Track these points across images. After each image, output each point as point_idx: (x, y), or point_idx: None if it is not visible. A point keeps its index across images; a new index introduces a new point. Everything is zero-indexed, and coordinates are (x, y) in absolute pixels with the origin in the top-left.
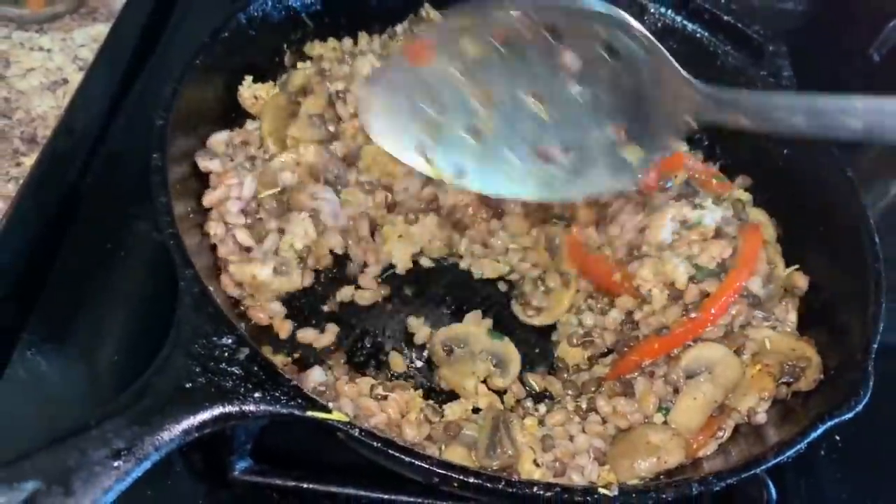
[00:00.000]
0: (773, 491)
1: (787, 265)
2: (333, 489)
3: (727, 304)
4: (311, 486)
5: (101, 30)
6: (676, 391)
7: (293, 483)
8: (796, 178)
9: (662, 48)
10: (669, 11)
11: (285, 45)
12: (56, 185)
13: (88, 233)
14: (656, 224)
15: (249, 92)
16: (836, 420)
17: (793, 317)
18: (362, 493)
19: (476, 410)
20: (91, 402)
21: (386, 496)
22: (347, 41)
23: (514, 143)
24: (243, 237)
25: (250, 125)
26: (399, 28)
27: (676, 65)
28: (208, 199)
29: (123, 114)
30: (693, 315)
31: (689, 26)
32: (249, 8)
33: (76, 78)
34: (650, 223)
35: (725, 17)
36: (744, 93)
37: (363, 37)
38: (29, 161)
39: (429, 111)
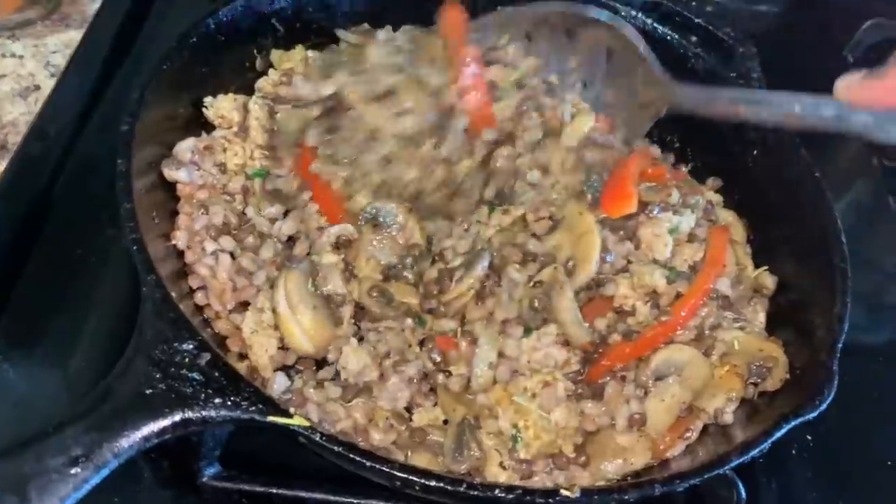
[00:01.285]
0: (743, 491)
1: (757, 266)
2: (303, 494)
3: (697, 305)
4: (280, 491)
5: (74, 36)
6: (646, 393)
7: (262, 488)
8: (765, 178)
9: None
10: (640, 14)
11: (255, 51)
12: (26, 191)
13: (59, 239)
14: (658, 240)
15: (214, 110)
16: (801, 419)
17: (761, 317)
18: (331, 497)
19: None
20: (59, 408)
21: (355, 500)
22: None
23: None
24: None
25: (218, 132)
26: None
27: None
28: (180, 237)
29: (95, 120)
30: (664, 318)
31: (661, 29)
32: (219, 13)
33: (48, 84)
34: (647, 240)
35: (696, 20)
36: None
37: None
38: None
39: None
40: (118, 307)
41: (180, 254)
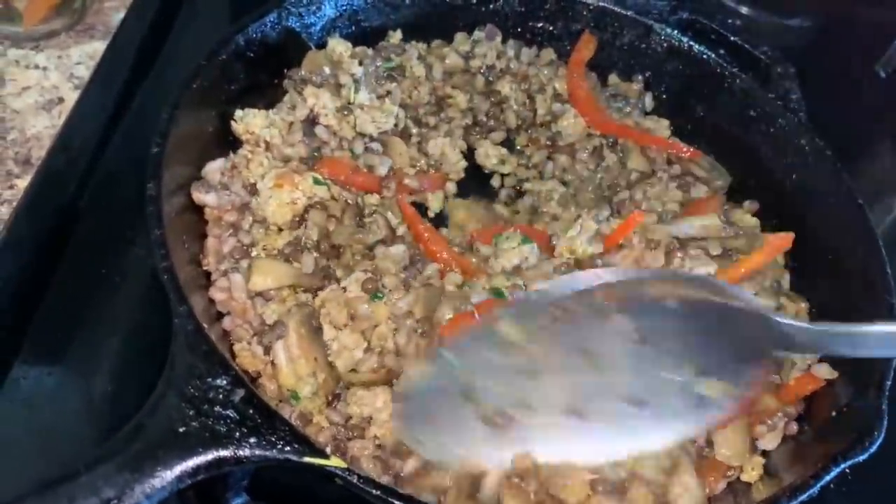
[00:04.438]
0: None
1: (797, 292)
2: None
3: None
4: None
5: (98, 47)
6: None
7: None
8: (805, 203)
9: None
10: (676, 32)
11: (285, 69)
12: (50, 207)
13: (84, 256)
14: None
15: (242, 125)
16: (850, 462)
17: None
18: None
19: None
20: (84, 432)
21: None
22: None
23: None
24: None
25: (245, 149)
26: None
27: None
28: (209, 261)
29: (120, 133)
30: None
31: (696, 47)
32: (248, 29)
33: (72, 97)
34: None
35: (732, 38)
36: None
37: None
38: (23, 183)
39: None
40: (143, 327)
41: (208, 275)
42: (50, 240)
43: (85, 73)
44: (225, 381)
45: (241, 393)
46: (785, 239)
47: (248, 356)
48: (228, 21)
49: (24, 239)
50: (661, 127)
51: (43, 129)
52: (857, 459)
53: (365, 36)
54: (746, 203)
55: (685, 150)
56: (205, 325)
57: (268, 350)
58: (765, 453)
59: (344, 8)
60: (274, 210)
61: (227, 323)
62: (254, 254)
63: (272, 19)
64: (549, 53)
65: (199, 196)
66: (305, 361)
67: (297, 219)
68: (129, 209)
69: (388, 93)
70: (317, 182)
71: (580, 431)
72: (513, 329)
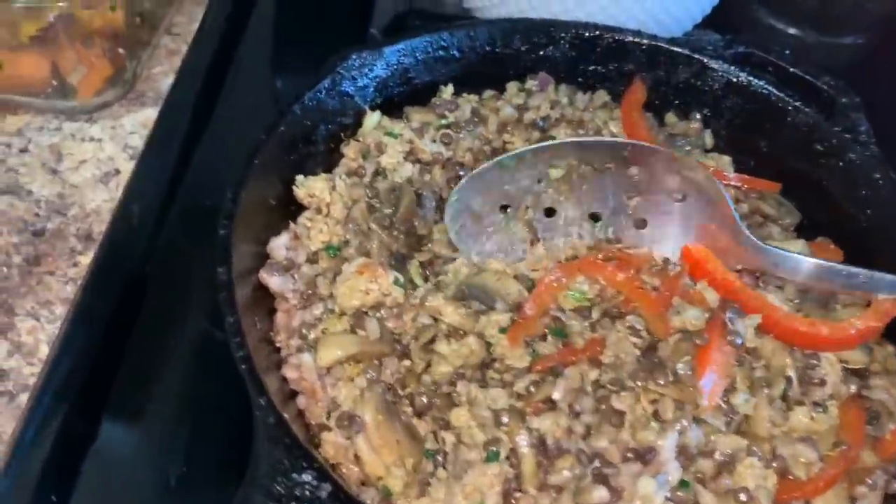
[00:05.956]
0: None
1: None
2: None
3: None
4: None
5: (150, 114)
6: None
7: None
8: (880, 237)
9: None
10: (732, 67)
11: (342, 133)
12: (115, 281)
13: (153, 329)
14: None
15: (304, 190)
16: None
17: None
18: None
19: None
20: None
21: None
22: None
23: None
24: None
25: (306, 216)
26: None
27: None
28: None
29: (179, 199)
30: None
31: (755, 81)
32: (304, 98)
33: (128, 167)
34: None
35: (791, 69)
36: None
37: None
38: (86, 260)
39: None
40: (215, 405)
41: (278, 349)
42: (118, 313)
43: (139, 142)
44: (310, 477)
45: (327, 488)
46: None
47: (331, 447)
48: (272, 78)
49: (92, 316)
50: (724, 164)
51: (102, 202)
52: None
53: (417, 93)
54: (818, 240)
55: (760, 182)
56: (285, 415)
57: (348, 437)
58: None
59: (395, 67)
60: (344, 293)
61: (301, 402)
62: (321, 327)
63: (326, 85)
64: (602, 96)
65: (267, 279)
66: (389, 450)
67: (364, 310)
68: (193, 283)
69: (448, 143)
70: (397, 283)
71: None
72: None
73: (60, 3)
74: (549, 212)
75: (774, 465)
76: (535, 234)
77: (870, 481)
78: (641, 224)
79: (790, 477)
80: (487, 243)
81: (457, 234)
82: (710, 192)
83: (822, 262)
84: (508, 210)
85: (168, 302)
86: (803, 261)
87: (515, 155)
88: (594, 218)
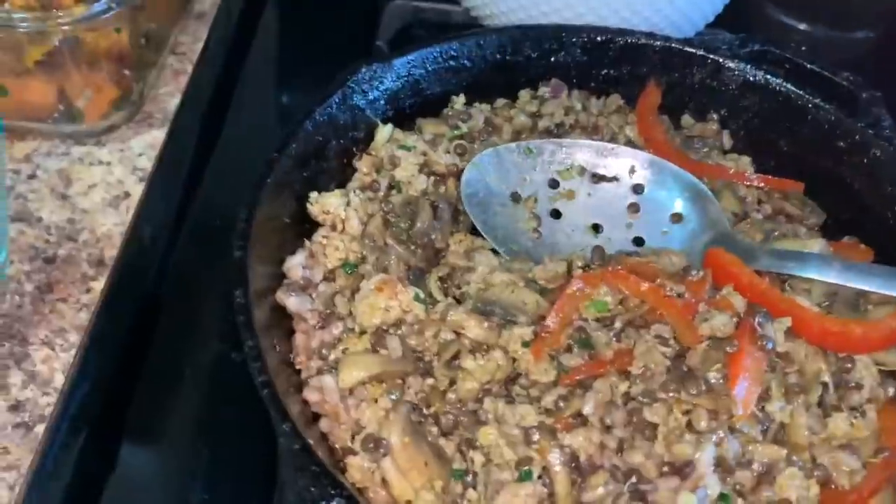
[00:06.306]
0: None
1: None
2: None
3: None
4: None
5: (158, 136)
6: None
7: None
8: None
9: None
10: (748, 66)
11: (354, 148)
12: (128, 305)
13: (168, 352)
14: None
15: (318, 206)
16: None
17: None
18: None
19: None
20: None
21: None
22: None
23: None
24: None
25: (321, 233)
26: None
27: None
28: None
29: (190, 221)
30: None
31: (772, 80)
32: (314, 113)
33: (137, 190)
34: None
35: (809, 66)
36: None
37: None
38: (98, 285)
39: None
40: (234, 431)
41: (299, 371)
42: (133, 337)
43: (147, 164)
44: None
45: None
46: None
47: (357, 471)
48: (278, 95)
49: (106, 342)
50: (744, 164)
51: (112, 226)
52: None
53: (428, 105)
54: (844, 239)
55: (783, 182)
56: (309, 440)
57: (374, 460)
58: None
59: (405, 79)
60: (364, 311)
61: (324, 425)
62: (341, 347)
63: (337, 100)
64: (615, 100)
65: (285, 300)
66: (418, 472)
67: (385, 328)
68: (206, 305)
69: (462, 154)
70: (417, 299)
71: None
72: None
73: (65, 28)
74: (556, 214)
75: (816, 474)
76: (538, 226)
77: None
78: (638, 242)
79: (833, 486)
80: (493, 219)
81: (468, 198)
82: (710, 210)
83: (836, 258)
84: (519, 199)
85: (182, 324)
86: (813, 257)
87: (538, 144)
88: (595, 229)
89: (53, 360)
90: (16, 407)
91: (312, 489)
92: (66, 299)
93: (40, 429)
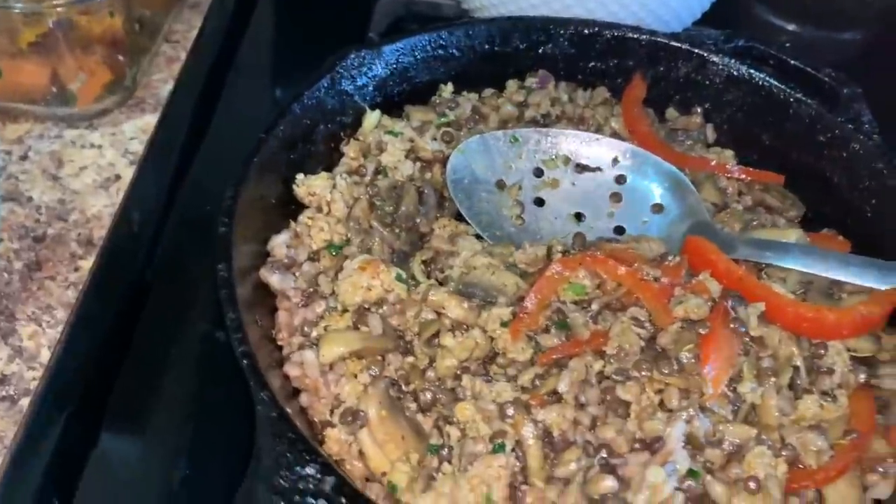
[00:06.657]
0: None
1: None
2: None
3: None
4: None
5: (150, 121)
6: None
7: None
8: (885, 228)
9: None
10: (733, 61)
11: (342, 132)
12: (117, 286)
13: (155, 332)
14: None
15: (305, 188)
16: None
17: None
18: None
19: None
20: None
21: None
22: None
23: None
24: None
25: (306, 214)
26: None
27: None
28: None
29: (179, 204)
30: None
31: (756, 75)
32: (303, 97)
33: (128, 173)
34: None
35: (792, 62)
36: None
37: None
38: (87, 264)
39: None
40: (218, 408)
41: (281, 347)
42: (120, 317)
43: (139, 147)
44: (314, 470)
45: (331, 481)
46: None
47: (335, 443)
48: (270, 85)
49: (93, 320)
50: (727, 158)
51: (102, 207)
52: None
53: (417, 92)
54: (823, 231)
55: (764, 175)
56: (287, 410)
57: (351, 432)
58: (878, 503)
59: (394, 66)
60: (346, 289)
61: (303, 400)
62: (323, 324)
63: (325, 84)
64: (602, 92)
65: (268, 277)
66: (394, 445)
67: (366, 307)
68: (194, 287)
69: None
70: (399, 279)
71: None
72: None
73: (59, 10)
74: (540, 202)
75: (784, 453)
76: (522, 213)
77: (881, 469)
78: (619, 231)
79: (801, 466)
80: (478, 205)
81: (453, 184)
82: (690, 200)
83: (813, 248)
84: (504, 187)
85: (169, 306)
86: (790, 247)
87: (523, 133)
88: (578, 217)
89: (40, 336)
90: (1, 381)
91: (288, 455)
92: (55, 277)
93: (25, 402)
